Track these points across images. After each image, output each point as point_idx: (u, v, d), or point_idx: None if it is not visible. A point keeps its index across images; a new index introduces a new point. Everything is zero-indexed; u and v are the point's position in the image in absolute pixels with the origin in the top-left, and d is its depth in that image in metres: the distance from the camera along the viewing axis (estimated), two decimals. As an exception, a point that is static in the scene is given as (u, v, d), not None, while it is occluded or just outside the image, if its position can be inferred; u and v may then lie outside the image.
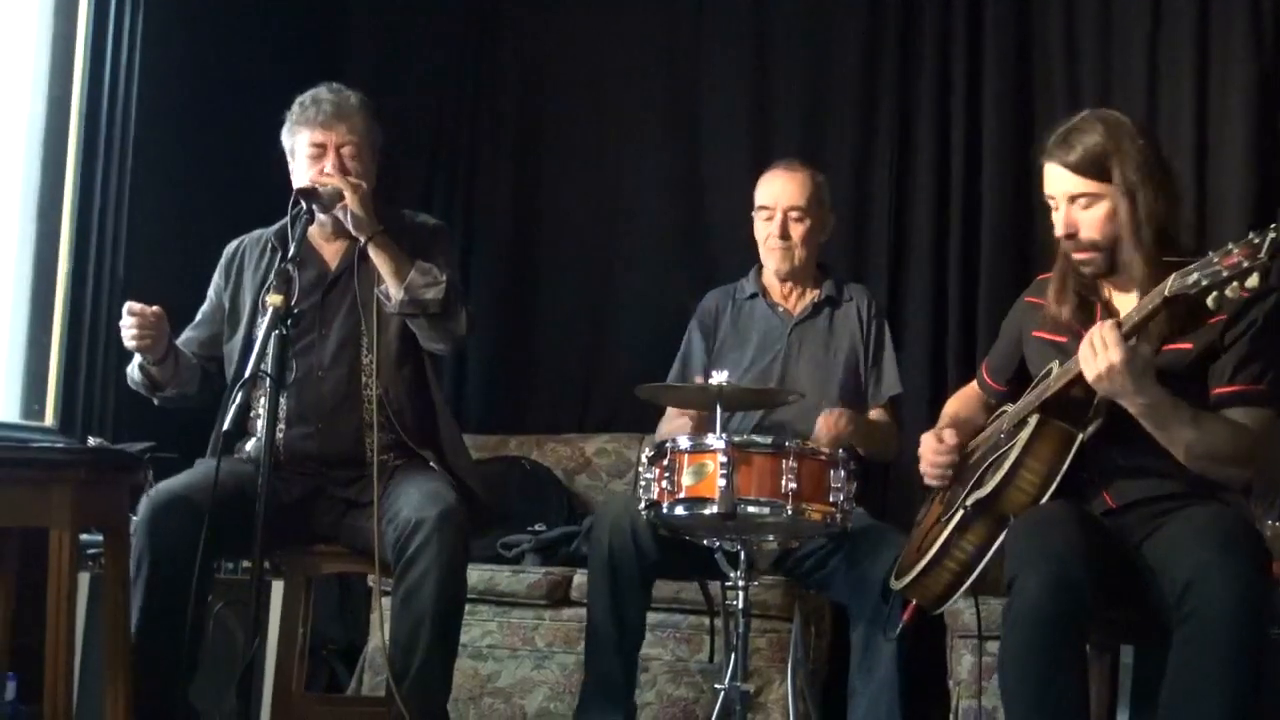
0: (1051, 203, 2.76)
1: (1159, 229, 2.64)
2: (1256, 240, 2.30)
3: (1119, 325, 2.49)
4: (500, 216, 5.50)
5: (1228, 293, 2.33)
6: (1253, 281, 2.31)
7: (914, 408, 4.15)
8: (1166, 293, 2.41)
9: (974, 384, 3.19)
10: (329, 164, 3.24)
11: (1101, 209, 2.66)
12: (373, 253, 3.20)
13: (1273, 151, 4.38)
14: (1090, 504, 2.66)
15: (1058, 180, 2.72)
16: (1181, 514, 2.58)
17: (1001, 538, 2.63)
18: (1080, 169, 2.67)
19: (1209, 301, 2.36)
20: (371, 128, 3.32)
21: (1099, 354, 2.47)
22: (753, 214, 3.70)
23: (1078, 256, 2.72)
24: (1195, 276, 2.36)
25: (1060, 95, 4.69)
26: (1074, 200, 2.69)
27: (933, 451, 2.95)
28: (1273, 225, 2.30)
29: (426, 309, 3.18)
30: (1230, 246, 2.33)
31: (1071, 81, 4.70)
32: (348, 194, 3.17)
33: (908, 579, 2.81)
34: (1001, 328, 3.11)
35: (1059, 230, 2.73)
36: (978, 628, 3.14)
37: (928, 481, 2.99)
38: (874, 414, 3.58)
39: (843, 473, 2.93)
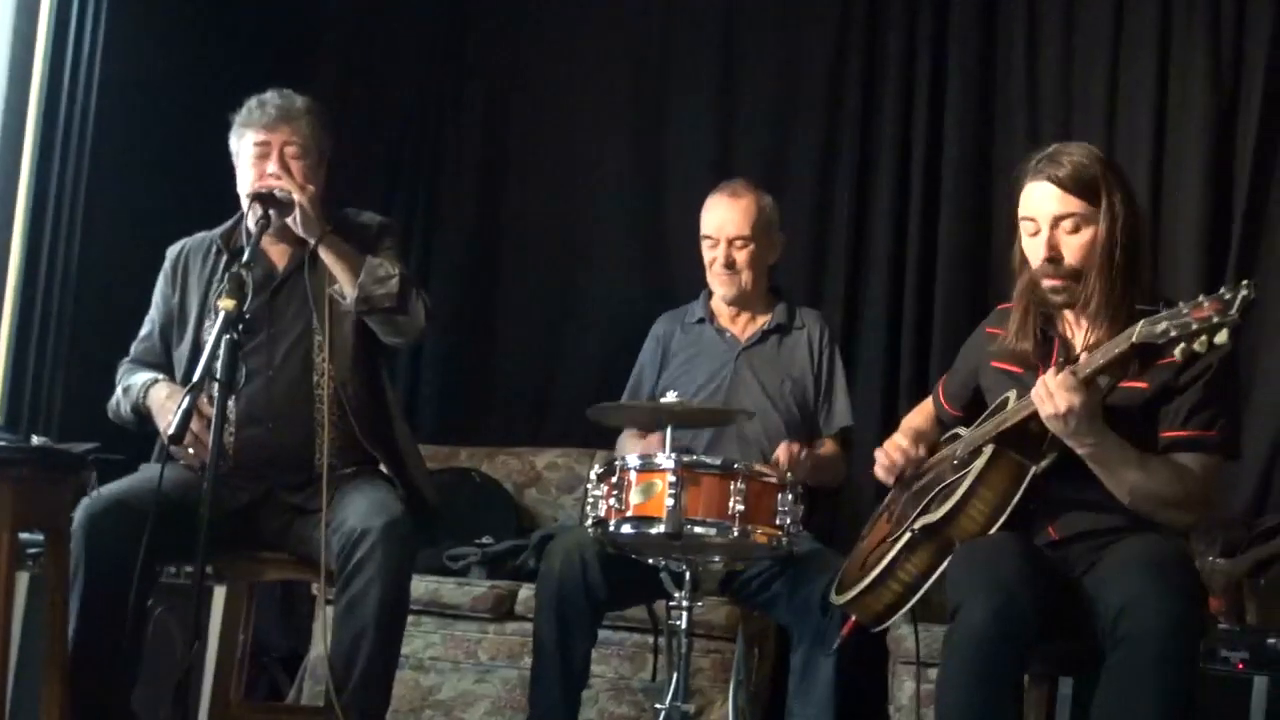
0: (1029, 225, 2.67)
1: (1131, 264, 2.61)
2: (1228, 296, 2.27)
3: (1074, 372, 2.48)
4: (463, 226, 5.52)
5: (1195, 346, 2.30)
6: (1221, 338, 2.28)
7: (865, 428, 4.16)
8: (1134, 340, 2.37)
9: (930, 400, 3.18)
10: (273, 164, 3.21)
11: (1088, 233, 2.61)
12: (323, 254, 3.18)
13: (1228, 185, 4.41)
14: (1035, 535, 2.66)
15: (1044, 199, 2.64)
16: (1120, 544, 2.59)
17: (946, 563, 2.63)
18: (1071, 188, 2.60)
19: (1176, 353, 2.33)
20: (318, 132, 3.28)
21: (1053, 396, 2.47)
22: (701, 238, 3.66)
23: (1051, 284, 2.65)
24: (1164, 326, 2.33)
25: (1020, 123, 4.74)
26: (1060, 222, 2.63)
27: (896, 449, 2.94)
28: (1244, 282, 2.29)
29: (381, 304, 3.16)
30: (1201, 299, 2.31)
31: (1032, 110, 4.75)
32: (297, 196, 3.14)
33: (849, 595, 2.81)
34: (959, 355, 3.08)
35: (1041, 253, 2.64)
36: (916, 654, 3.15)
37: (877, 473, 2.97)
38: (826, 445, 3.55)
39: (790, 496, 2.93)
